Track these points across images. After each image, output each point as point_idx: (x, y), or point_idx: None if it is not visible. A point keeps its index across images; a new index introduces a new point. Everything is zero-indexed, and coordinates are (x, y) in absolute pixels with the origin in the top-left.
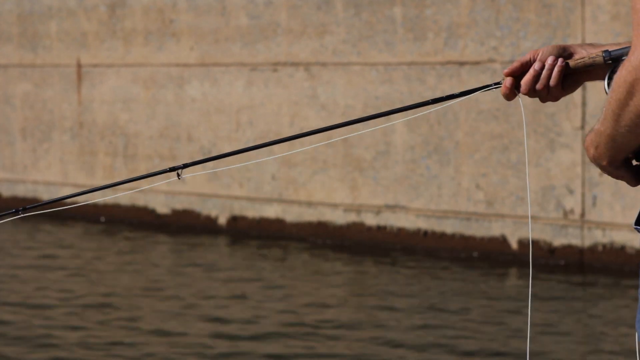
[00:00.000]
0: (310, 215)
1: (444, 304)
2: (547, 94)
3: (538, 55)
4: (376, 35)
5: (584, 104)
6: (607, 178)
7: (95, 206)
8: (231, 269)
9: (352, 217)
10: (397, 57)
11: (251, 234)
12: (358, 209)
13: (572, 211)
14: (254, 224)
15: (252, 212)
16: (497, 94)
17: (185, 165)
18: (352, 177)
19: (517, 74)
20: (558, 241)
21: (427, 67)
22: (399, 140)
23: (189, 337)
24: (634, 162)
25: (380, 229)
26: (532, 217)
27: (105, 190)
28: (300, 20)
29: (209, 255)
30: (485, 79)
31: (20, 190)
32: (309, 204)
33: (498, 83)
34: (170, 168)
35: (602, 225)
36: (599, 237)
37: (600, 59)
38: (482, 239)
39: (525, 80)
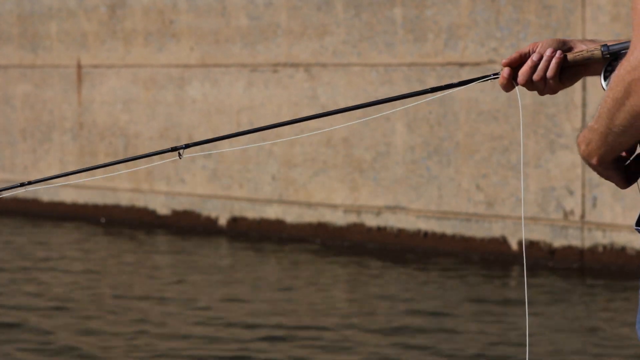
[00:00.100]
0: (310, 216)
1: (444, 304)
2: (544, 86)
3: (537, 47)
4: (376, 36)
5: (584, 105)
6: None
7: (95, 207)
8: (231, 269)
9: (352, 218)
10: (397, 58)
11: (251, 234)
12: (358, 210)
13: (572, 212)
14: (254, 224)
15: (252, 212)
16: (498, 95)
17: (187, 146)
18: (352, 177)
19: (515, 65)
20: (558, 242)
21: (427, 68)
22: (399, 141)
23: (189, 337)
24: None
25: (381, 229)
26: (533, 218)
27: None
28: (300, 21)
29: (209, 256)
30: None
31: (21, 191)
32: (309, 204)
33: (496, 73)
34: (172, 148)
35: (603, 227)
36: (599, 238)
37: (598, 53)
38: (482, 240)
39: (523, 71)
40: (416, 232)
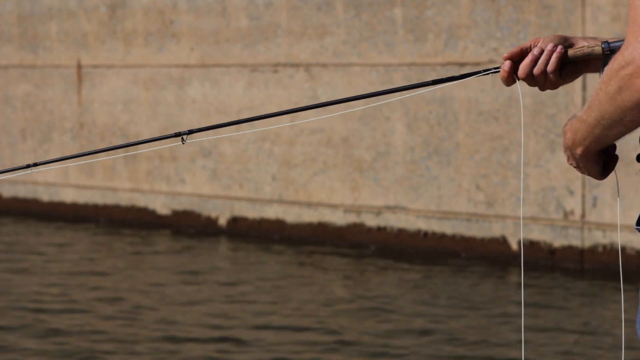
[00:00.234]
0: (310, 216)
1: (444, 304)
2: (545, 80)
3: (539, 42)
4: (376, 37)
5: (584, 104)
6: (607, 179)
7: (95, 206)
8: (230, 270)
9: (352, 218)
10: (398, 58)
11: (251, 234)
12: (358, 210)
13: (572, 212)
14: (254, 224)
15: (253, 213)
16: (498, 95)
17: (191, 132)
18: (353, 178)
19: (516, 59)
20: (558, 242)
21: (428, 68)
22: (399, 141)
23: (189, 337)
24: None
25: (381, 229)
26: (533, 218)
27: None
28: (300, 21)
29: (209, 256)
30: (486, 80)
31: (21, 191)
32: (309, 204)
33: (497, 67)
34: (175, 133)
35: (603, 227)
36: (599, 238)
37: (599, 49)
38: (482, 240)
39: (524, 64)
40: (416, 232)
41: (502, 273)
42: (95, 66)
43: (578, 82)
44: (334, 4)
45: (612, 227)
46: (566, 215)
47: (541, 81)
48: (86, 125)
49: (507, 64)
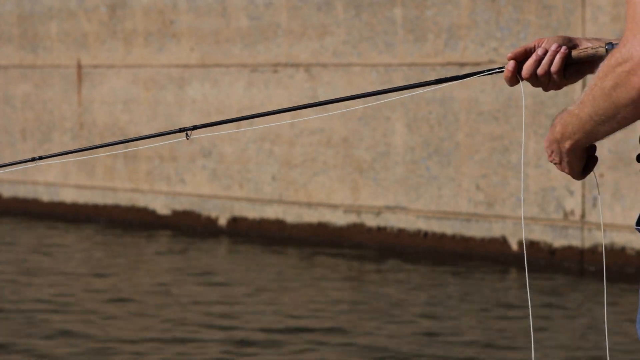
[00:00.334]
0: (310, 216)
1: (444, 305)
2: (548, 80)
3: (543, 42)
4: (376, 37)
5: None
6: (607, 179)
7: (95, 207)
8: (231, 270)
9: (352, 218)
10: (398, 58)
11: (251, 235)
12: (358, 210)
13: (572, 212)
14: (254, 225)
15: (253, 213)
16: (498, 95)
17: (195, 127)
18: (353, 178)
19: (520, 59)
20: (558, 242)
21: (428, 69)
22: (399, 142)
23: (189, 338)
24: None
25: (381, 230)
26: (533, 218)
27: (107, 191)
28: (300, 21)
29: (208, 257)
30: (486, 80)
31: (21, 191)
32: (309, 205)
33: (501, 67)
34: (180, 129)
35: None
36: (599, 238)
37: (602, 51)
38: (482, 240)
39: (527, 65)
40: (416, 232)
41: (502, 273)
42: (96, 66)
43: (579, 82)
44: (334, 4)
45: (612, 227)
46: (566, 215)
47: (545, 82)
48: (86, 125)
49: (511, 64)
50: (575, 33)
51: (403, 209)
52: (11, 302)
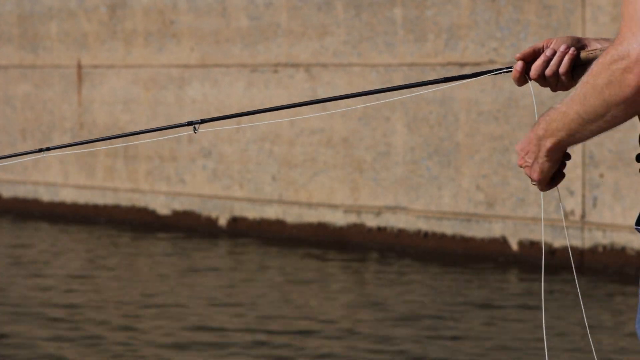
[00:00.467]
0: (310, 216)
1: (444, 305)
2: (556, 81)
3: (552, 43)
4: (376, 37)
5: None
6: (607, 179)
7: (95, 207)
8: (231, 270)
9: (352, 218)
10: (398, 59)
11: (251, 235)
12: (358, 210)
13: (572, 212)
14: (254, 225)
15: (253, 213)
16: (498, 95)
17: (203, 121)
18: (353, 178)
19: (529, 60)
20: (558, 242)
21: (428, 69)
22: (400, 142)
23: (189, 338)
24: None
25: (381, 230)
26: (533, 219)
27: (107, 190)
28: (300, 21)
29: (209, 257)
30: (486, 80)
31: (21, 191)
32: (309, 205)
33: (510, 67)
34: (187, 122)
35: (603, 227)
36: (599, 238)
37: None
38: (482, 240)
39: (536, 65)
40: (416, 233)
41: (502, 273)
42: (96, 66)
43: None
44: (334, 4)
45: (612, 227)
46: (566, 215)
47: (553, 82)
48: (86, 126)
49: (520, 64)
50: (575, 33)
51: (403, 209)
52: (11, 302)
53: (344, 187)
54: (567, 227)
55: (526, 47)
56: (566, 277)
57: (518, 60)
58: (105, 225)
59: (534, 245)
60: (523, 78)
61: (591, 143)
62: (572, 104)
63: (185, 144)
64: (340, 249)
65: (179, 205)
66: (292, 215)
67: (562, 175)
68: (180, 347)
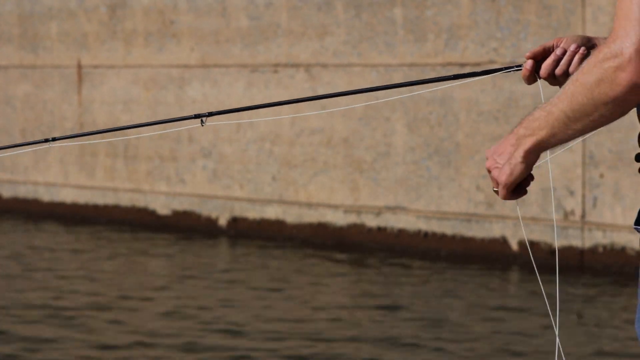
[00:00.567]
0: (310, 216)
1: (445, 305)
2: (566, 80)
3: (562, 42)
4: (376, 37)
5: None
6: (607, 179)
7: (95, 207)
8: (231, 270)
9: (352, 219)
10: (398, 59)
11: (251, 235)
12: (358, 210)
13: (572, 212)
14: (254, 225)
15: (253, 213)
16: (498, 95)
17: (211, 114)
18: (353, 178)
19: (539, 59)
20: (558, 242)
21: (428, 69)
22: (400, 142)
23: (189, 339)
24: None
25: (381, 230)
26: (533, 218)
27: (107, 190)
28: (300, 21)
29: (209, 257)
30: (486, 80)
31: (21, 192)
32: (310, 205)
33: (519, 65)
34: (195, 115)
35: (603, 227)
36: (599, 238)
37: None
38: (482, 240)
39: (546, 64)
40: (416, 233)
41: (502, 273)
42: (96, 66)
43: None
44: (334, 4)
45: (612, 227)
46: (566, 215)
47: (562, 81)
48: (86, 126)
49: (530, 62)
50: (575, 33)
51: (403, 209)
52: (11, 302)
53: (344, 187)
54: (568, 227)
55: (526, 47)
56: (566, 277)
57: (528, 59)
58: (105, 225)
59: (534, 245)
60: (533, 77)
61: (591, 143)
62: (558, 102)
63: (185, 144)
64: (340, 249)
65: (179, 205)
66: (292, 216)
67: (525, 191)
68: (180, 347)
